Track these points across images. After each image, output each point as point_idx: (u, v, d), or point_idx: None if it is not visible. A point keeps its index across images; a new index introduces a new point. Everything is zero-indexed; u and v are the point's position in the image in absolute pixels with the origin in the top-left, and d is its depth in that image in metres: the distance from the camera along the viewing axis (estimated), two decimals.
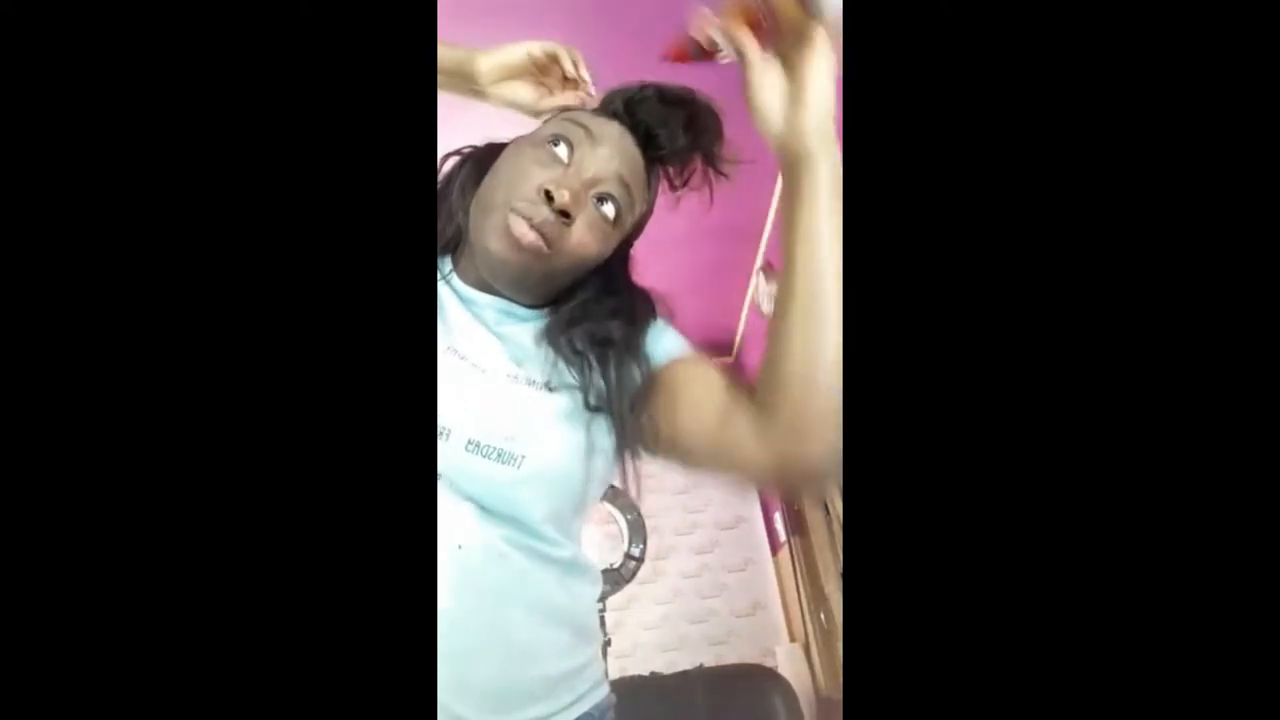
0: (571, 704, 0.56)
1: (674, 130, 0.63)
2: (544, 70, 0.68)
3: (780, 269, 0.54)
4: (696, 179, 0.66)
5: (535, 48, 0.67)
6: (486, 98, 0.68)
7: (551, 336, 0.61)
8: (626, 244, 0.68)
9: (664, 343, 0.63)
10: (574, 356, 0.59)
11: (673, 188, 0.67)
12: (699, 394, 0.58)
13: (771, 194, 2.30)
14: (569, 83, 0.68)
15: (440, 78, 0.66)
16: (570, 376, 0.59)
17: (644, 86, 0.64)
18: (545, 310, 0.64)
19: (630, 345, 0.61)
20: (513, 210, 0.58)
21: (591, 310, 0.63)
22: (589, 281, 0.64)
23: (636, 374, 0.60)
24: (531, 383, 0.58)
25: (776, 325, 0.53)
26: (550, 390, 0.58)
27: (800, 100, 0.53)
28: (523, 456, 0.54)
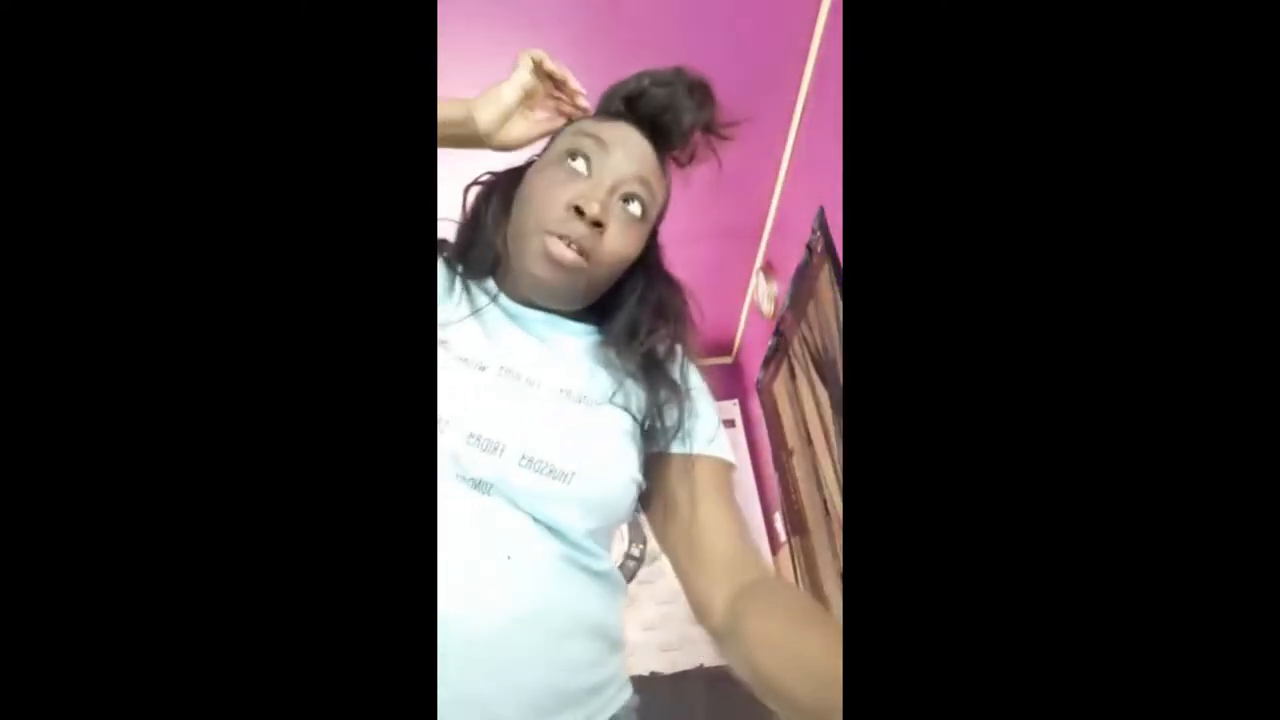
0: (601, 708, 0.58)
1: (677, 113, 0.65)
2: (534, 97, 0.68)
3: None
4: (701, 151, 0.69)
5: (524, 77, 0.67)
6: (491, 147, 0.69)
7: (608, 357, 0.64)
8: (654, 234, 0.71)
9: (709, 427, 0.65)
10: (627, 377, 0.63)
11: (680, 165, 0.70)
12: (712, 501, 0.61)
13: (771, 194, 2.30)
14: (560, 93, 0.69)
15: (444, 132, 0.67)
16: (621, 396, 0.62)
17: (638, 79, 0.66)
18: (593, 323, 0.68)
19: (672, 381, 0.65)
20: (548, 232, 0.61)
21: (638, 319, 0.66)
22: (629, 282, 0.68)
23: (675, 409, 0.63)
24: (584, 399, 0.61)
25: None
26: (603, 406, 0.61)
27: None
28: (573, 472, 0.56)
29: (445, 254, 0.69)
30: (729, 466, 0.67)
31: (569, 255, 0.60)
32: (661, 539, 0.65)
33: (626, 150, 0.64)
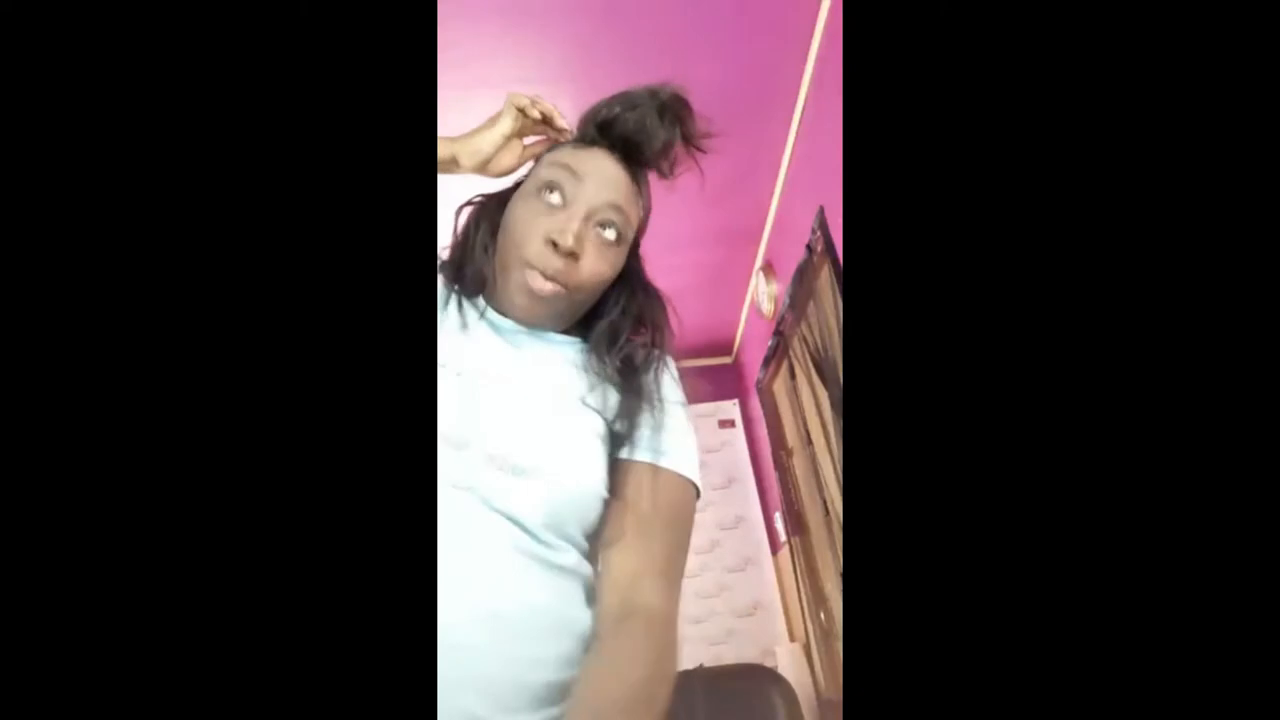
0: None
1: (651, 132, 0.67)
2: (521, 132, 0.72)
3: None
4: (683, 163, 0.71)
5: (505, 127, 0.71)
6: (472, 176, 0.73)
7: (589, 362, 0.67)
8: (634, 247, 0.74)
9: (673, 439, 0.66)
10: (603, 382, 0.65)
11: (664, 176, 0.72)
12: (640, 509, 0.62)
13: (771, 194, 2.30)
14: (541, 125, 0.73)
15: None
16: (594, 398, 0.64)
17: (609, 104, 0.68)
18: (577, 335, 0.71)
19: (648, 390, 0.66)
20: (528, 266, 0.64)
21: (620, 327, 0.70)
22: (611, 294, 0.71)
23: (647, 417, 0.65)
24: (554, 398, 0.63)
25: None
26: (574, 407, 0.63)
27: None
28: (536, 467, 0.57)
29: (441, 272, 0.72)
30: (689, 484, 0.66)
31: (547, 288, 0.64)
32: (601, 532, 0.65)
33: (599, 178, 0.66)
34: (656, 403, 0.67)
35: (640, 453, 0.64)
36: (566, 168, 0.66)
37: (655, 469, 0.64)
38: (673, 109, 0.68)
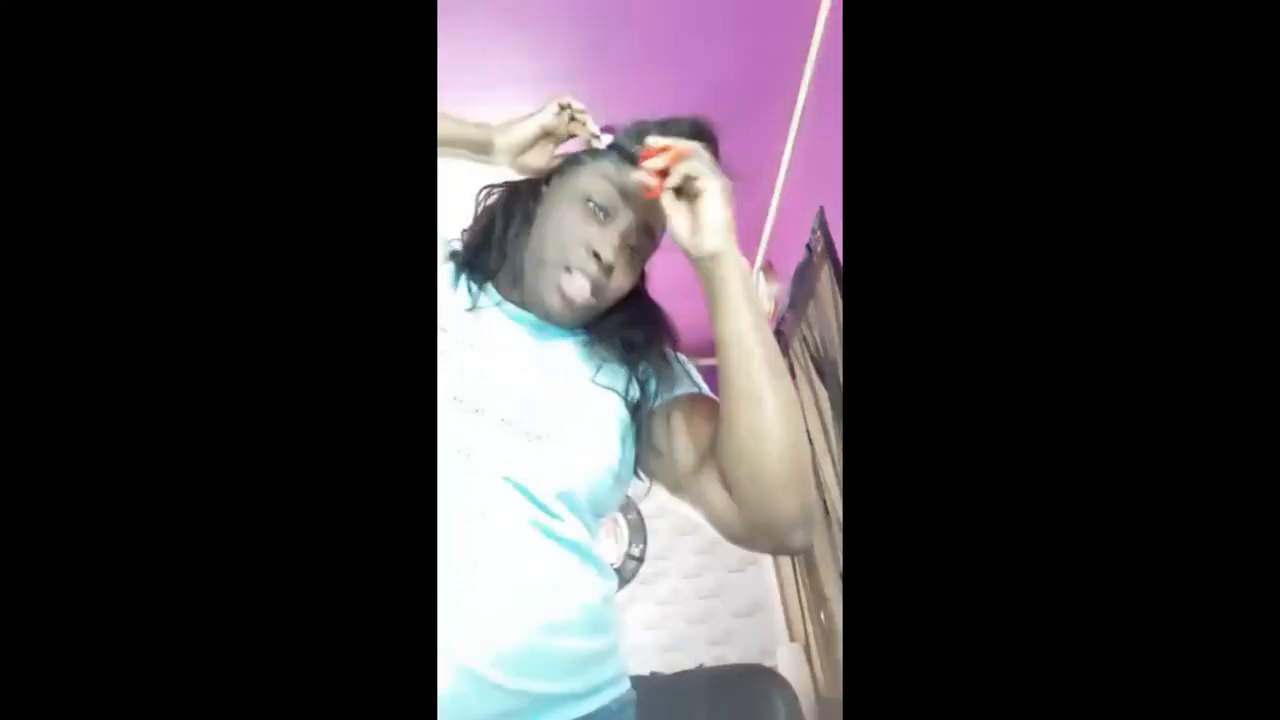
0: (587, 692, 0.59)
1: None
2: (552, 132, 0.76)
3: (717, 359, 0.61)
4: None
5: (546, 118, 0.74)
6: (503, 166, 0.76)
7: (594, 347, 0.72)
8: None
9: (685, 380, 0.72)
10: (612, 360, 0.70)
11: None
12: (687, 437, 0.67)
13: (771, 194, 2.30)
14: (574, 124, 0.76)
15: (458, 151, 0.75)
16: (605, 376, 0.68)
17: (660, 129, 0.71)
18: (582, 329, 0.74)
19: (654, 360, 0.71)
20: (566, 269, 0.68)
21: (622, 325, 0.74)
22: (620, 303, 0.75)
23: (652, 385, 0.69)
24: (572, 374, 0.67)
25: (721, 407, 0.61)
26: (588, 386, 0.67)
27: (698, 214, 0.63)
28: (547, 434, 0.61)
29: (455, 253, 0.75)
30: (696, 398, 0.70)
31: (580, 296, 0.68)
32: (664, 485, 0.70)
33: (640, 200, 0.69)
34: (666, 365, 0.71)
35: (660, 398, 0.68)
36: (615, 185, 0.70)
37: (693, 397, 0.69)
38: (709, 142, 0.72)
